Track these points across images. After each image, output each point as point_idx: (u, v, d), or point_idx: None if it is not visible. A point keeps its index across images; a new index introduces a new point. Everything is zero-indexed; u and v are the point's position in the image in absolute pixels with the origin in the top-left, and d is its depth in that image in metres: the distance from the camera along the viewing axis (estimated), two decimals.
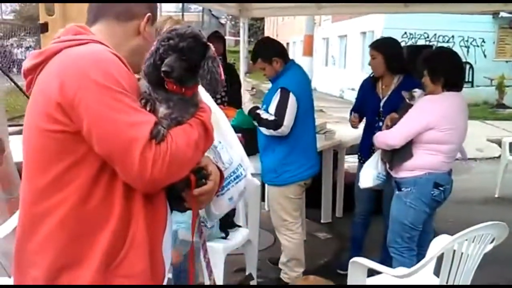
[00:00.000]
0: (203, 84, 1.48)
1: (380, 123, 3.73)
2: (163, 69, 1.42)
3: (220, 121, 1.82)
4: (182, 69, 1.44)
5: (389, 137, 3.31)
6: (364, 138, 4.05)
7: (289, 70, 3.61)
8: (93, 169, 1.34)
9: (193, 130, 1.43)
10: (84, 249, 1.36)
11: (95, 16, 1.53)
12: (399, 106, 3.53)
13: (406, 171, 3.24)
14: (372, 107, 3.94)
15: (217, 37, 5.53)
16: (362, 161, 4.01)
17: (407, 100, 3.40)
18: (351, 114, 4.17)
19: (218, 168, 1.64)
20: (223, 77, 1.52)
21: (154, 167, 1.30)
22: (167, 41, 1.45)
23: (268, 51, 3.64)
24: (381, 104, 3.86)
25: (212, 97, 1.93)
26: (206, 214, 1.91)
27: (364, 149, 4.03)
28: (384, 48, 3.85)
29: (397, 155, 3.28)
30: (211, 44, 1.52)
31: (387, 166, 3.43)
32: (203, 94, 1.58)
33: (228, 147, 1.81)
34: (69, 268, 1.36)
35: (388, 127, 3.40)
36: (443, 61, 3.27)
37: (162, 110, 1.45)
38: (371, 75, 4.02)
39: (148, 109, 1.40)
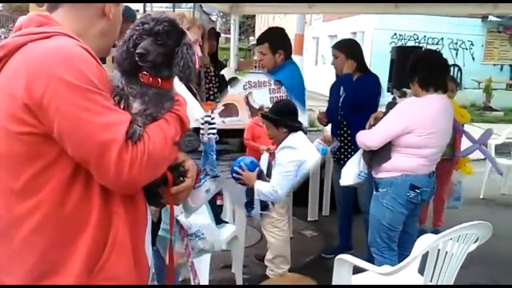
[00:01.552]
0: (176, 71, 1.41)
1: (339, 117, 4.04)
2: (137, 51, 1.33)
3: (194, 112, 1.77)
4: (157, 53, 1.35)
5: (367, 137, 3.29)
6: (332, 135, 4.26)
7: (287, 66, 3.67)
8: (67, 171, 1.27)
9: (169, 126, 1.37)
10: (64, 255, 1.29)
11: (54, 2, 1.41)
12: (355, 101, 3.82)
13: (384, 172, 3.23)
14: (335, 105, 4.13)
15: (213, 33, 5.43)
16: (334, 158, 4.26)
17: (397, 98, 3.40)
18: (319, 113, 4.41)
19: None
20: (197, 66, 1.47)
21: (131, 169, 1.24)
22: (142, 25, 1.37)
23: (278, 41, 3.67)
24: (341, 100, 4.06)
25: (205, 93, 1.90)
26: (183, 208, 1.86)
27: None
28: (347, 48, 4.06)
29: (376, 156, 3.26)
30: (187, 31, 1.46)
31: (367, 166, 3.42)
32: (177, 85, 1.52)
33: None
34: (49, 275, 1.29)
35: (371, 126, 3.39)
36: (417, 60, 3.25)
37: (136, 105, 1.35)
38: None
39: (121, 106, 1.32)
